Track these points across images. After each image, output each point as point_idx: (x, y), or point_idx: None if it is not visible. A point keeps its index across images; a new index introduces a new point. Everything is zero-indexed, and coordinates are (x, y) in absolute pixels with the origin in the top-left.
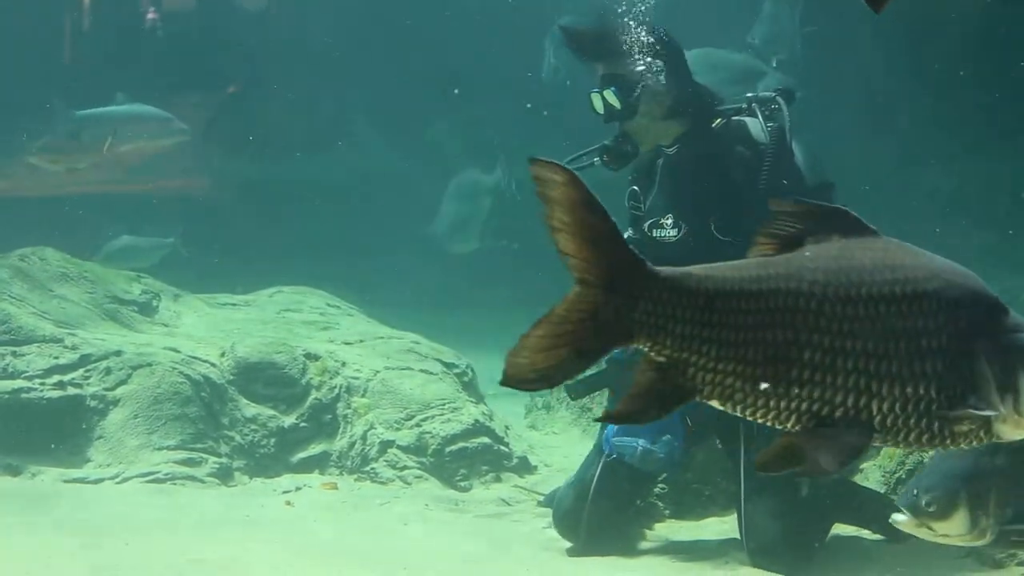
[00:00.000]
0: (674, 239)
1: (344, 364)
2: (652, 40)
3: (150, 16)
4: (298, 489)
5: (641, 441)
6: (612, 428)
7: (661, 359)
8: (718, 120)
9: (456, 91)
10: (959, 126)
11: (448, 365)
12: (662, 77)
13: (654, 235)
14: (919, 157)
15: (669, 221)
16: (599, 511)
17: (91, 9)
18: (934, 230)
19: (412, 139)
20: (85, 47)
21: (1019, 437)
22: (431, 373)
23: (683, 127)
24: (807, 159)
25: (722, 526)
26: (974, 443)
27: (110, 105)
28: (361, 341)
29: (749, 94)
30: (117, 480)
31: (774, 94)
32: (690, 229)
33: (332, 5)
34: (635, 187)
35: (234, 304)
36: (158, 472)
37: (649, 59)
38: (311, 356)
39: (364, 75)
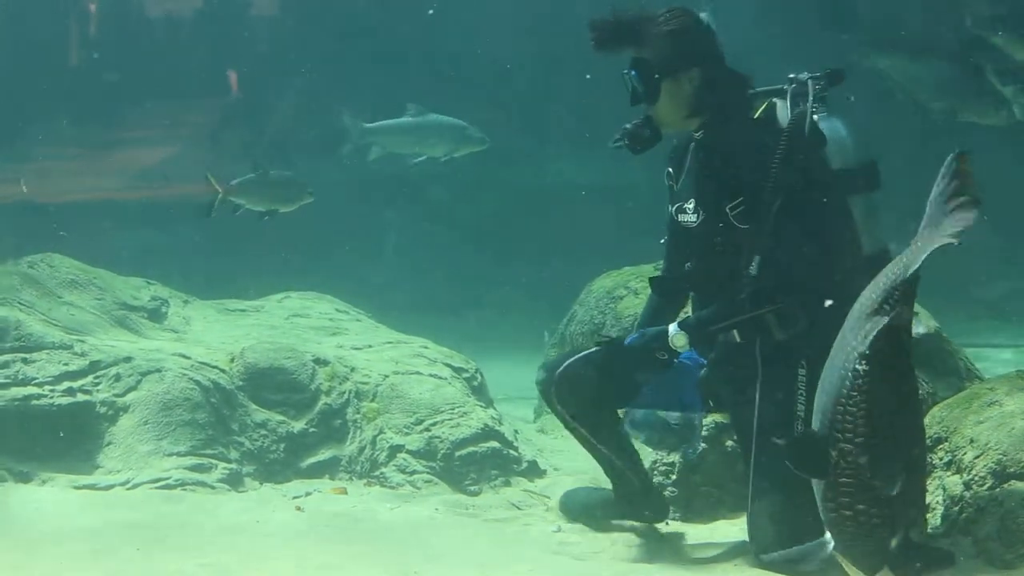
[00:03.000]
0: (694, 224)
1: (353, 369)
2: (676, 26)
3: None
4: (308, 494)
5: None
6: (637, 411)
7: None
8: (762, 105)
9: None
10: None
11: (457, 370)
12: (686, 63)
13: (679, 219)
14: None
15: (691, 206)
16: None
17: (95, 14)
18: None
19: None
20: (87, 50)
21: None
22: (440, 378)
23: (707, 113)
24: (843, 140)
25: (731, 529)
26: None
27: (402, 116)
28: (370, 346)
29: (791, 75)
30: (127, 486)
31: (808, 76)
32: (707, 216)
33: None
34: (670, 168)
35: (243, 310)
36: (168, 478)
37: (672, 44)
38: (320, 361)
39: (370, 74)
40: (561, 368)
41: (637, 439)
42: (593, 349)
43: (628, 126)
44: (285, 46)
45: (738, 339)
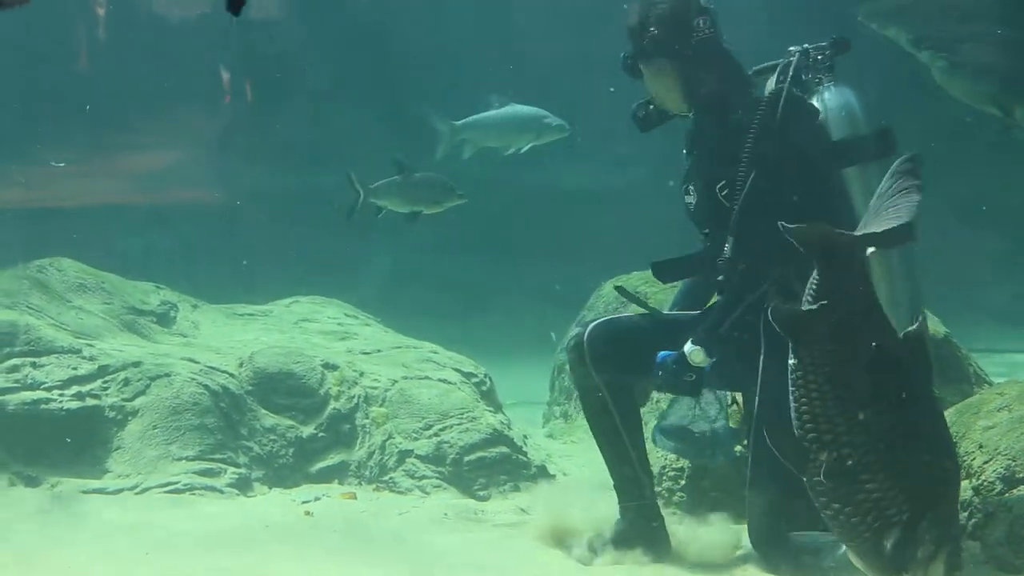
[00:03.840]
0: (692, 206)
1: (362, 374)
2: (662, 11)
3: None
4: (317, 499)
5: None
6: (664, 419)
7: None
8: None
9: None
10: None
11: (466, 374)
12: (661, 49)
13: (686, 201)
14: None
15: (692, 187)
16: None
17: (105, 19)
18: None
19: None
20: (101, 58)
21: None
22: (449, 383)
23: (698, 96)
24: (852, 107)
25: (740, 534)
26: None
27: (489, 109)
28: (379, 351)
29: (792, 47)
30: (136, 491)
31: (808, 47)
32: (701, 198)
33: (345, 20)
34: (684, 150)
35: (252, 314)
36: (177, 483)
37: (655, 30)
38: (329, 366)
39: (376, 84)
40: (595, 322)
41: (667, 449)
42: (629, 314)
43: (634, 105)
44: (295, 51)
45: (747, 316)
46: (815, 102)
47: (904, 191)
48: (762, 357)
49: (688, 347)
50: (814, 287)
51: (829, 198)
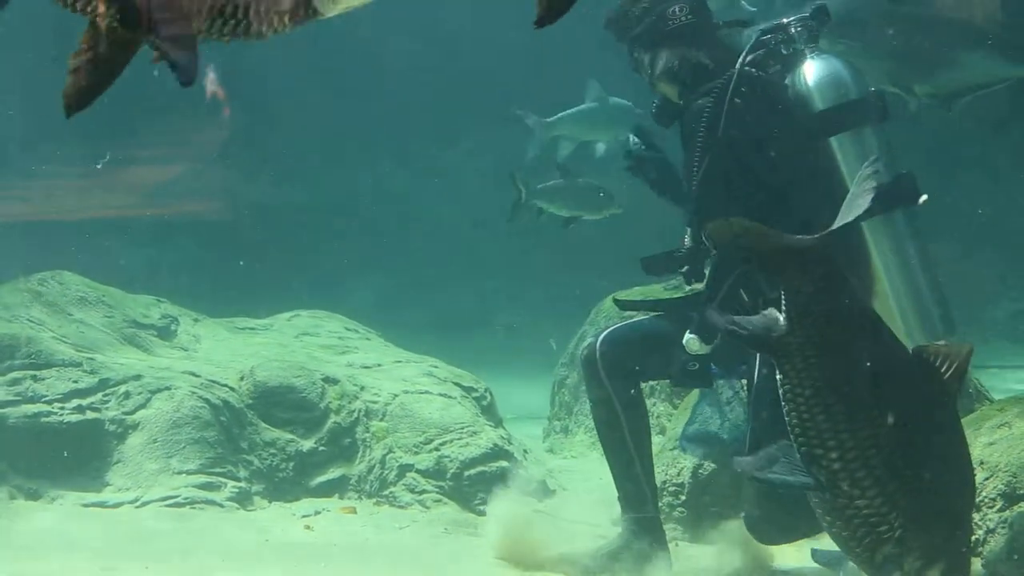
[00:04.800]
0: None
1: (362, 388)
2: (644, 5)
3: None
4: (317, 513)
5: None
6: (689, 426)
7: None
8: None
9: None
10: None
11: (466, 389)
12: (647, 37)
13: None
14: None
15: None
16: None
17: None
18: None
19: (429, 161)
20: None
21: (337, 12)
22: (449, 397)
23: (684, 84)
24: (839, 76)
25: None
26: (293, 23)
27: (585, 99)
28: (379, 365)
29: (767, 23)
30: (136, 504)
31: (782, 21)
32: (688, 187)
33: (345, 30)
34: None
35: (252, 328)
36: (177, 496)
37: (638, 23)
38: (330, 380)
39: (381, 95)
40: (606, 331)
41: (695, 455)
42: (640, 318)
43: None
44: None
45: (746, 299)
46: (803, 73)
47: (854, 196)
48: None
49: (686, 337)
50: (774, 294)
51: (799, 177)
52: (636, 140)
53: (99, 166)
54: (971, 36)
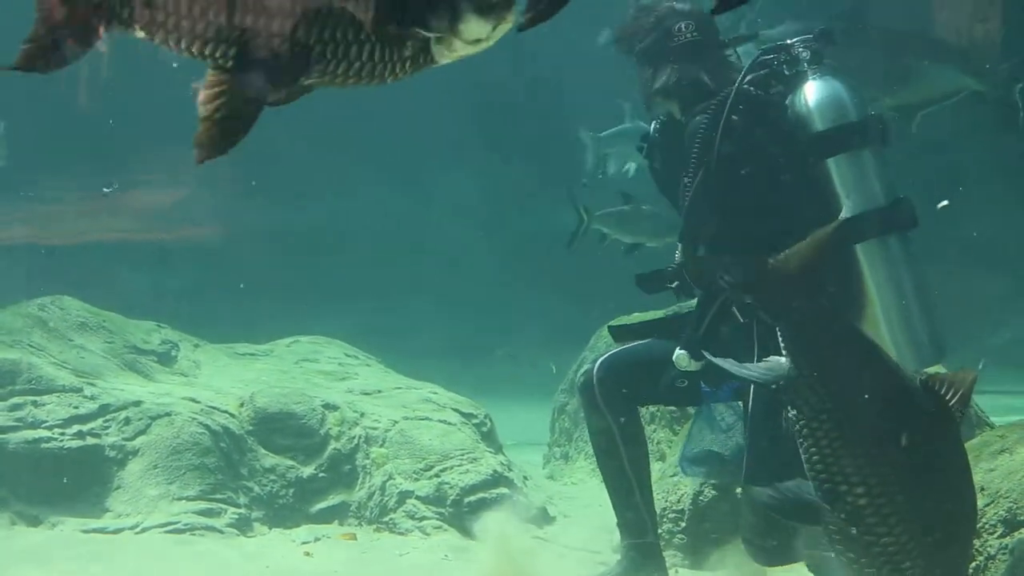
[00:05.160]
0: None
1: (362, 414)
2: (643, 26)
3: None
4: (317, 539)
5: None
6: (688, 447)
7: None
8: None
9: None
10: None
11: (466, 415)
12: (650, 54)
13: None
14: None
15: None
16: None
17: (108, 56)
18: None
19: (429, 188)
20: (97, 94)
21: (451, 60)
22: (449, 423)
23: (683, 101)
24: (839, 98)
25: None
26: (412, 69)
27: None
28: (379, 391)
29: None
30: (136, 530)
31: (786, 41)
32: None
33: None
34: None
35: (253, 354)
36: (177, 522)
37: (638, 39)
38: (329, 406)
39: (381, 123)
40: (602, 358)
41: (696, 476)
42: (636, 343)
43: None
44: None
45: (741, 319)
46: (804, 94)
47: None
48: (756, 358)
49: (675, 353)
50: (785, 344)
51: (792, 198)
52: (657, 127)
53: (106, 191)
54: (931, 51)
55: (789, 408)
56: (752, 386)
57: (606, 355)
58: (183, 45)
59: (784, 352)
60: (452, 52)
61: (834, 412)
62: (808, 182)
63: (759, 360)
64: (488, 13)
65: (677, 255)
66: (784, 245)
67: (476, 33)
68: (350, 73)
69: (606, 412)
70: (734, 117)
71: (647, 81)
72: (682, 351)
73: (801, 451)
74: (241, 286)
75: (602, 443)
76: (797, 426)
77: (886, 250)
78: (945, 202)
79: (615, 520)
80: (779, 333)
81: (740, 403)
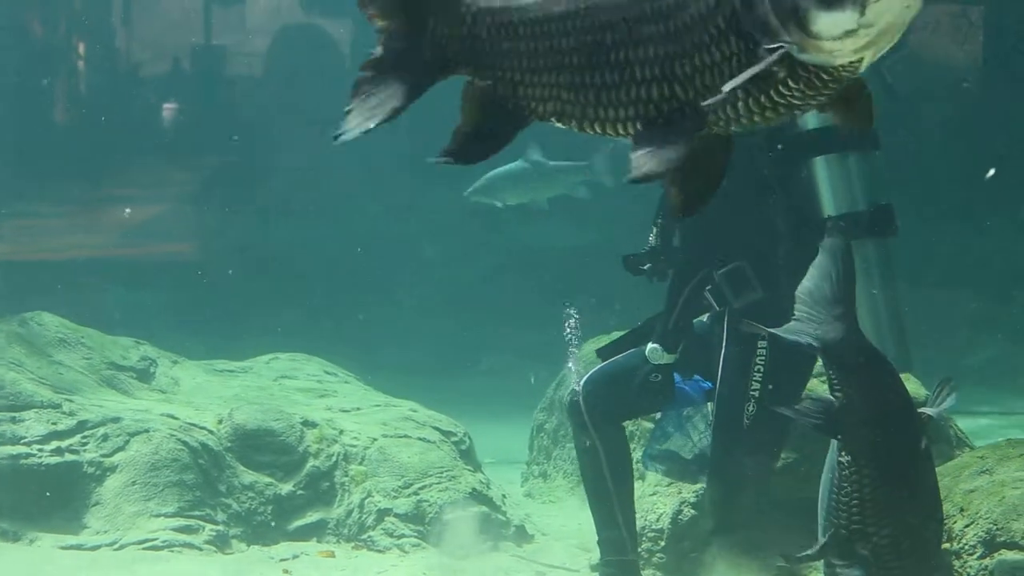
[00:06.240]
0: None
1: (342, 432)
2: None
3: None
4: (295, 557)
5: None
6: (652, 445)
7: (483, 83)
8: None
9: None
10: None
11: (445, 433)
12: None
13: None
14: None
15: None
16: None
17: (85, 70)
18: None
19: (411, 203)
20: (78, 112)
21: (821, 60)
22: (428, 441)
23: None
24: None
25: None
26: (797, 98)
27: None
28: (358, 409)
29: None
30: (114, 547)
31: None
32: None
33: (328, 71)
34: None
35: (231, 371)
36: (155, 539)
37: None
38: (308, 423)
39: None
40: (587, 376)
41: (657, 472)
42: (618, 357)
43: None
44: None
45: (716, 307)
46: None
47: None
48: (723, 349)
49: (648, 347)
50: (836, 383)
51: (774, 189)
52: None
53: (127, 212)
54: None
55: (839, 450)
56: (720, 376)
57: (590, 372)
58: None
59: (834, 391)
60: (832, 55)
61: (879, 457)
62: (792, 177)
63: (724, 363)
64: (834, 3)
65: (651, 238)
66: (759, 236)
67: (834, 28)
68: (736, 118)
69: (592, 429)
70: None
71: None
72: (655, 344)
73: (838, 488)
74: (219, 304)
75: (586, 457)
76: (846, 472)
77: (862, 257)
78: (992, 171)
79: (594, 538)
80: (827, 373)
81: (709, 406)
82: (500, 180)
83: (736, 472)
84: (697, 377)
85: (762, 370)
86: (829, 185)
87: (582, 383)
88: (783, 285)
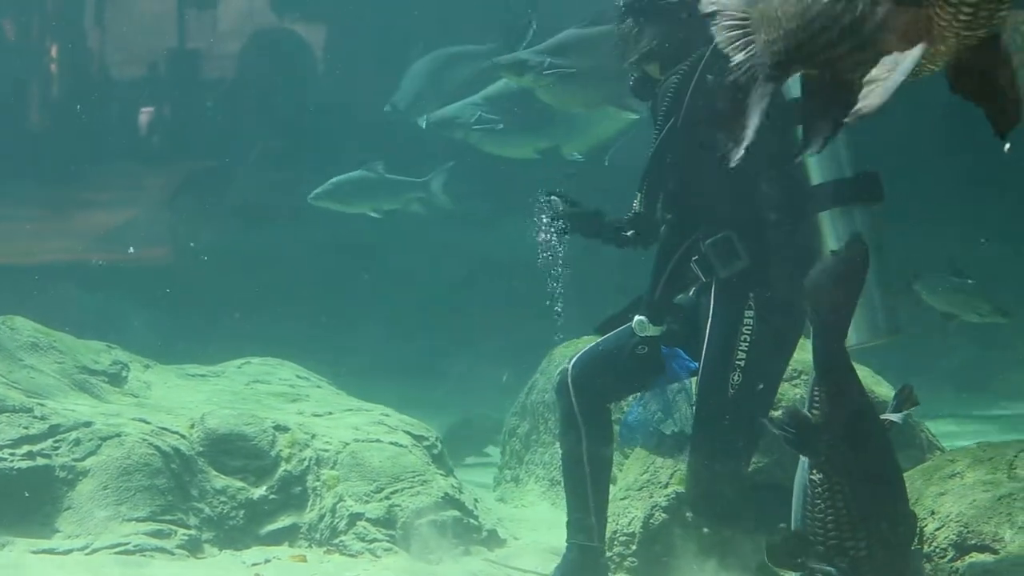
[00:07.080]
0: None
1: (314, 436)
2: None
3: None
4: (267, 561)
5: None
6: (631, 414)
7: None
8: None
9: None
10: None
11: (417, 437)
12: (634, 8)
13: None
14: None
15: None
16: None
17: (56, 74)
18: None
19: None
20: (55, 114)
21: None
22: (400, 445)
23: (659, 61)
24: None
25: None
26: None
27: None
28: (330, 413)
29: None
30: (86, 551)
31: None
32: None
33: (304, 72)
34: None
35: (203, 375)
36: (127, 544)
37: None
38: (280, 428)
39: (336, 143)
40: (575, 356)
41: (632, 445)
42: (608, 336)
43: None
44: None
45: (703, 278)
46: None
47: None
48: (709, 318)
49: (635, 319)
50: (816, 396)
51: (757, 162)
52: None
53: (131, 251)
54: None
55: (811, 468)
56: (706, 341)
57: (579, 353)
58: None
59: (811, 408)
60: None
61: (854, 474)
62: (775, 149)
63: (710, 333)
64: None
65: (635, 204)
66: (745, 206)
67: None
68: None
69: (577, 408)
70: (708, 76)
71: (630, 39)
72: (641, 316)
73: (811, 504)
74: (193, 309)
75: (568, 437)
76: (819, 488)
77: (850, 222)
78: (1007, 145)
79: (565, 545)
80: (810, 389)
81: (694, 384)
82: (343, 186)
83: (718, 440)
84: (684, 356)
85: (748, 340)
86: (818, 164)
87: (572, 361)
88: (769, 254)
